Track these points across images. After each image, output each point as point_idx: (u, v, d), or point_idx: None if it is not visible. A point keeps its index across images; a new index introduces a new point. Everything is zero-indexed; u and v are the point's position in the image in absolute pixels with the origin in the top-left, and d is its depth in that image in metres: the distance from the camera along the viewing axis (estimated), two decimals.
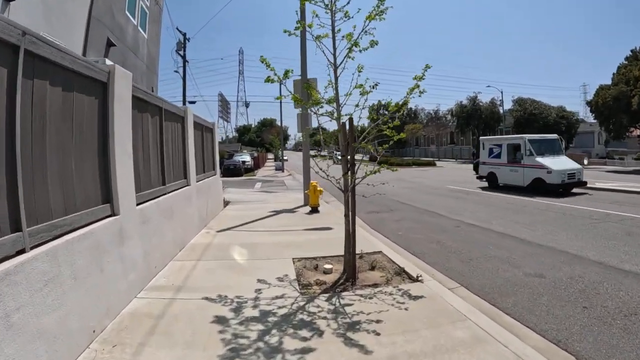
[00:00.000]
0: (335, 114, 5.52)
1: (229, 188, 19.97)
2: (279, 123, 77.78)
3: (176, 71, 29.14)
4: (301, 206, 12.30)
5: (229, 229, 8.99)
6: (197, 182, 8.77)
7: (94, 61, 4.26)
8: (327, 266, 5.81)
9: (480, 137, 20.69)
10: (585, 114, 58.20)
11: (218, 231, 8.67)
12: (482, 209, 12.64)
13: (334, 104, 5.52)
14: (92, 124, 4.11)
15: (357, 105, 5.40)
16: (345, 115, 5.53)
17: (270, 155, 73.61)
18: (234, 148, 64.07)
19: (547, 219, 10.61)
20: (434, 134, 66.20)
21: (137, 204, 5.04)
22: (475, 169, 30.37)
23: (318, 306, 4.47)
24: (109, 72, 4.41)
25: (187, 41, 31.46)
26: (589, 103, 48.87)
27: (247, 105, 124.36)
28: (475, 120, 52.00)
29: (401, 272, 5.78)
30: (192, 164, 8.28)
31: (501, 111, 51.92)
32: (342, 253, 5.92)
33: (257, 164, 46.11)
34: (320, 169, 5.58)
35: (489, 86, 71.72)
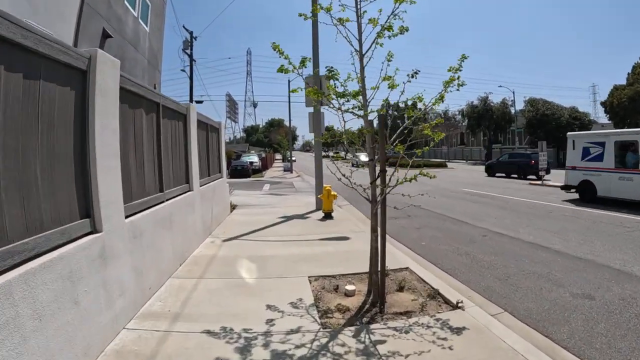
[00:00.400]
0: (361, 110, 4.68)
1: (236, 190, 19.20)
2: (287, 123, 77.17)
3: (183, 70, 28.44)
4: (313, 211, 11.47)
5: (235, 237, 8.17)
6: (200, 186, 7.98)
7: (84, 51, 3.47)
8: (349, 287, 4.97)
9: (569, 133, 15.81)
10: (595, 115, 56.91)
11: (224, 240, 7.87)
12: (506, 214, 11.75)
13: (359, 98, 4.69)
14: (65, 121, 3.29)
15: (386, 101, 4.57)
16: (371, 111, 4.70)
17: (278, 156, 72.81)
18: (241, 148, 63.43)
19: (577, 227, 9.74)
20: (444, 134, 65.07)
21: (127, 216, 4.24)
22: (488, 170, 29.36)
23: (344, 344, 3.62)
24: (90, 59, 3.61)
25: (193, 40, 30.80)
26: (603, 103, 47.68)
27: (254, 105, 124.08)
28: (486, 120, 50.83)
29: (435, 295, 4.94)
30: (195, 166, 7.49)
31: (513, 111, 50.77)
32: (364, 269, 5.12)
33: (265, 164, 45.35)
34: (344, 175, 4.74)
35: (500, 86, 69.91)
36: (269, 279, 5.45)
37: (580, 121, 46.23)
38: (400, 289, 5.15)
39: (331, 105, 4.83)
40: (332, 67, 4.56)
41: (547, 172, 22.23)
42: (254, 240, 7.94)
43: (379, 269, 4.48)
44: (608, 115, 47.10)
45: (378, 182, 4.55)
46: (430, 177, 4.52)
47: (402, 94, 4.52)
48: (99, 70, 3.68)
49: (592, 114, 55.54)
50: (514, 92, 51.13)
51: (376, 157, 4.68)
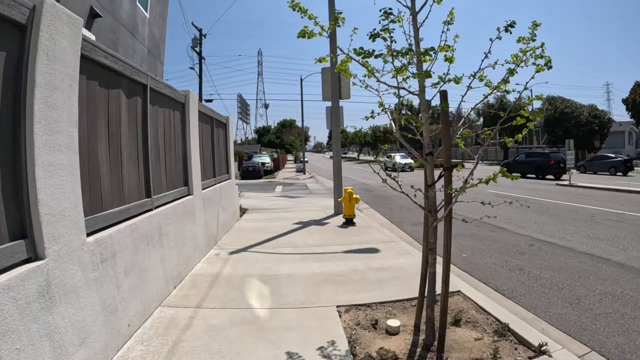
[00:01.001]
0: (412, 87, 3.43)
1: (247, 192, 18.07)
2: (299, 124, 76.11)
3: (192, 68, 27.41)
4: (332, 216, 10.24)
5: (244, 249, 6.96)
6: (204, 189, 6.81)
7: None
8: (392, 323, 3.72)
9: None
10: (610, 113, 54.67)
11: (231, 253, 6.66)
12: (546, 219, 10.41)
13: (405, 74, 3.45)
14: None
15: (453, 79, 3.32)
16: (434, 85, 3.44)
17: (290, 157, 71.73)
18: (253, 149, 62.51)
19: (627, 233, 8.44)
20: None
21: (92, 233, 3.06)
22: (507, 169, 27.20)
23: None
24: (34, 10, 2.43)
25: (203, 37, 29.83)
26: (625, 100, 45.80)
27: (266, 106, 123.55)
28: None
29: (505, 332, 3.68)
30: (196, 166, 6.30)
31: (530, 109, 48.91)
32: (406, 294, 3.95)
33: (277, 165, 44.26)
34: (389, 177, 3.52)
35: (517, 84, 66.28)
36: (287, 309, 4.19)
37: (600, 119, 44.48)
38: (457, 322, 3.91)
39: (369, 86, 3.57)
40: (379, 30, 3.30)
41: (567, 171, 21.40)
42: (266, 253, 6.71)
43: (442, 306, 3.23)
44: (630, 113, 45.22)
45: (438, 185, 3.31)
46: (513, 179, 3.26)
47: (479, 73, 3.26)
48: (45, 25, 2.50)
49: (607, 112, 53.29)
50: (531, 90, 48.88)
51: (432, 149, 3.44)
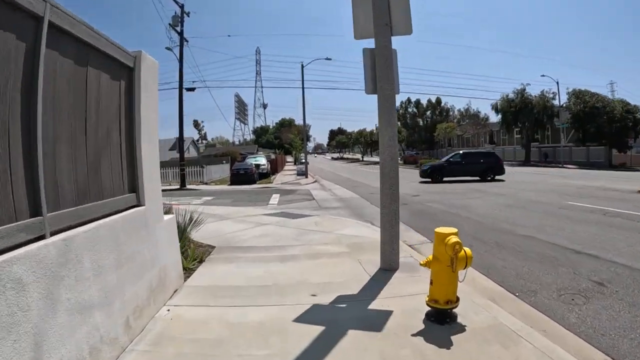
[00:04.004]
0: None
1: (230, 206, 12.58)
2: (298, 122, 70.46)
3: (168, 48, 21.92)
4: (379, 279, 4.68)
5: None
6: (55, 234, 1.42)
7: None
8: None
9: None
10: None
11: None
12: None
13: None
14: None
15: None
16: None
17: (290, 158, 66.07)
18: (250, 150, 57.11)
19: None
20: (471, 133, 57.99)
21: None
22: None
23: None
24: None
25: (185, 15, 24.38)
26: None
27: (264, 106, 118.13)
28: (524, 116, 43.70)
29: None
30: None
31: (556, 104, 43.60)
32: None
33: (275, 167, 38.69)
34: None
35: (543, 75, 48.62)
36: None
37: (634, 115, 39.26)
38: None
39: None
40: None
41: None
42: None
43: None
44: None
45: None
46: None
47: None
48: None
49: None
50: (558, 82, 42.60)
51: None
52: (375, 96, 5.07)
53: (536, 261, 5.69)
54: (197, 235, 7.00)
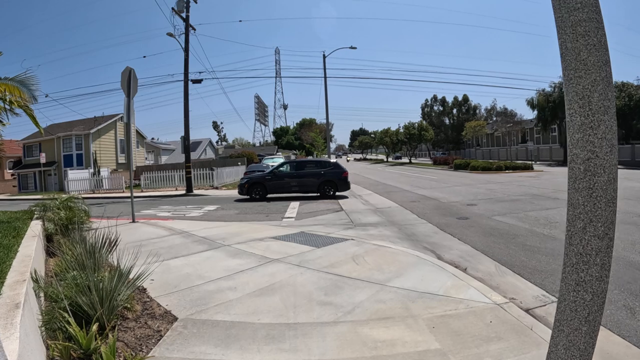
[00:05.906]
0: None
1: (234, 221, 9.56)
2: (320, 121, 67.44)
3: (170, 34, 19.18)
4: None
5: None
6: None
7: None
8: None
9: None
10: None
11: None
12: None
13: None
14: None
15: None
16: None
17: (311, 159, 63.23)
18: (269, 151, 54.49)
19: None
20: (501, 131, 53.87)
21: None
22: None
23: None
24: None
25: (192, 1, 21.59)
26: None
27: (285, 107, 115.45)
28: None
29: None
30: None
31: None
32: None
33: None
34: None
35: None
36: None
37: None
38: None
39: None
40: None
41: None
42: None
43: None
44: None
45: None
46: None
47: None
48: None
49: None
50: None
51: None
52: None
53: (529, 253, 2.53)
54: (155, 284, 4.06)
